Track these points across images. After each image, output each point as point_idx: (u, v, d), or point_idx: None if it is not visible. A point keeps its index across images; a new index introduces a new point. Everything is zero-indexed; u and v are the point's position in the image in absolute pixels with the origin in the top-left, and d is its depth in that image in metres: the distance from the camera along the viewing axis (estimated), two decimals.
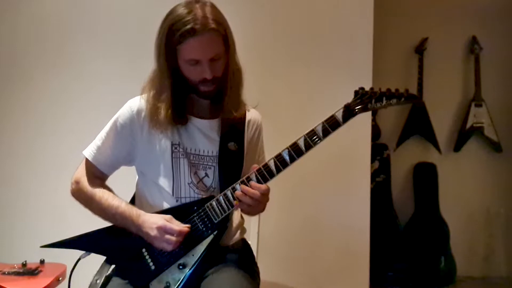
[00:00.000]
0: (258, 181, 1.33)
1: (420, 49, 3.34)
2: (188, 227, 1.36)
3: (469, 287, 3.23)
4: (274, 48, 2.50)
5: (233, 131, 1.48)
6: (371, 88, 1.33)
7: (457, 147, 3.38)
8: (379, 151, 3.30)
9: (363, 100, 1.32)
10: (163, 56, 1.37)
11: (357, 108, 1.31)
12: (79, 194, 1.47)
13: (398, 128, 3.40)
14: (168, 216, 1.38)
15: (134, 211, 1.40)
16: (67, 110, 2.46)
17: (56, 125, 2.46)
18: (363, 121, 2.51)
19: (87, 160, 1.48)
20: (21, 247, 2.34)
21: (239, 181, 1.36)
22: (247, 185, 1.33)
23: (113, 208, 1.41)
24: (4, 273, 1.79)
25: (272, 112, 2.34)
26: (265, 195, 1.33)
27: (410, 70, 3.33)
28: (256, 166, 1.35)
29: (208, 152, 1.46)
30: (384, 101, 1.31)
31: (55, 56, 2.46)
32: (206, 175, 1.45)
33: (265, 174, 1.34)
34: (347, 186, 2.52)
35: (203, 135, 1.46)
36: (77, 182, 1.47)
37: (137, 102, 1.46)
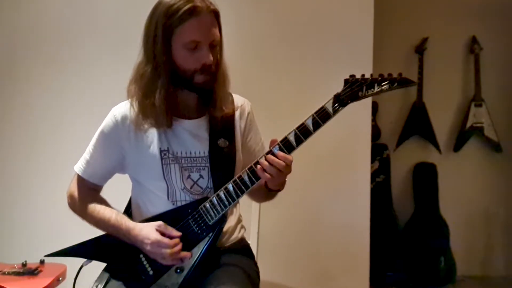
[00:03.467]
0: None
1: (420, 49, 3.34)
2: (181, 235, 1.33)
3: (469, 287, 3.23)
4: (274, 48, 2.50)
5: (223, 127, 1.44)
6: (362, 75, 1.26)
7: (457, 147, 3.38)
8: (379, 151, 3.30)
9: (353, 88, 1.25)
10: (161, 43, 1.29)
11: (347, 97, 1.25)
12: (73, 208, 1.48)
13: (398, 128, 3.40)
14: (158, 224, 1.34)
15: (124, 224, 1.38)
16: (67, 110, 2.46)
17: (56, 125, 2.46)
18: (363, 121, 2.51)
19: (78, 174, 1.47)
20: (21, 247, 2.35)
21: (232, 180, 1.34)
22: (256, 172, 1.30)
23: (105, 221, 1.40)
24: (4, 273, 1.79)
25: (271, 111, 2.34)
26: (288, 166, 1.28)
27: (410, 70, 3.32)
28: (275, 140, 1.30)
29: (199, 153, 1.41)
30: (376, 88, 1.24)
31: (55, 56, 2.46)
32: (201, 176, 1.41)
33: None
34: (347, 186, 2.52)
35: (192, 136, 1.41)
36: (70, 197, 1.48)
37: (120, 109, 1.42)
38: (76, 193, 1.46)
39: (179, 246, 1.32)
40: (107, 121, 1.42)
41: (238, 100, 1.51)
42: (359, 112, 2.45)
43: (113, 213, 1.41)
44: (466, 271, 3.31)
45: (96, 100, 2.39)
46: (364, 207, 2.51)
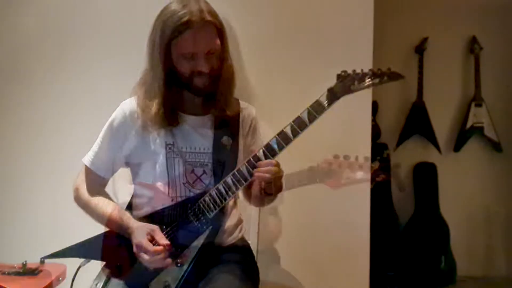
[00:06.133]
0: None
1: (420, 49, 3.34)
2: (168, 244, 1.31)
3: (469, 287, 3.23)
4: (273, 48, 2.49)
5: (227, 126, 1.48)
6: (353, 70, 1.33)
7: (457, 147, 3.38)
8: (379, 151, 3.30)
9: (346, 82, 1.32)
10: (158, 52, 1.37)
11: (340, 91, 1.32)
12: (78, 201, 1.50)
13: (398, 128, 3.40)
14: (152, 227, 1.34)
15: (124, 221, 1.40)
16: (68, 110, 2.45)
17: (57, 125, 2.46)
18: (363, 121, 2.51)
19: (86, 166, 1.50)
20: (21, 247, 2.35)
21: (230, 173, 1.36)
22: (254, 164, 1.34)
23: (105, 215, 1.43)
24: (4, 273, 1.79)
25: (271, 111, 2.34)
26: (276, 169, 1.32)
27: (410, 70, 3.32)
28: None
29: (204, 149, 1.45)
30: (367, 81, 1.32)
31: (56, 55, 2.46)
32: (204, 172, 1.45)
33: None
34: (347, 186, 2.52)
35: (197, 132, 1.46)
36: (76, 189, 1.50)
37: (129, 104, 1.47)
38: (82, 186, 1.49)
39: (160, 256, 1.30)
40: (116, 114, 1.47)
41: (244, 105, 1.56)
42: (359, 112, 2.45)
43: (114, 209, 1.44)
44: (467, 271, 3.31)
45: (97, 101, 2.38)
46: (364, 207, 2.51)
